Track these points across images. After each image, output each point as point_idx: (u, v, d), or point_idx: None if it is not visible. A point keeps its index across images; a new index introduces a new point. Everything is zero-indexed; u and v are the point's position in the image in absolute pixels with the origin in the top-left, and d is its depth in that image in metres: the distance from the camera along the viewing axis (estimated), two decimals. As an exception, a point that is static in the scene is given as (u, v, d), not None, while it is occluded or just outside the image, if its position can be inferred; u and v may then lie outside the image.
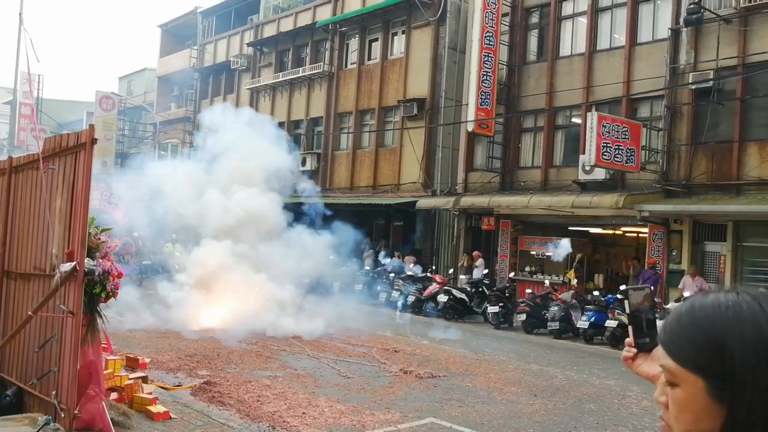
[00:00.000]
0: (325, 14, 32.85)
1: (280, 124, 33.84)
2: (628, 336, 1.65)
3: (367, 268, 25.02)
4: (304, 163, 31.28)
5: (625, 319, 15.83)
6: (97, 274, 6.41)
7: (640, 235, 21.97)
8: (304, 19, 33.94)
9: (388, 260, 24.93)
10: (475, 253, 23.92)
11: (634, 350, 1.63)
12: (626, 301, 1.65)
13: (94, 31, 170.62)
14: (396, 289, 22.59)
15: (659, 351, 1.34)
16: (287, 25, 34.97)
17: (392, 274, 23.67)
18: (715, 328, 1.21)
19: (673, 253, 19.72)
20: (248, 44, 37.57)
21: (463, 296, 21.37)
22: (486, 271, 23.01)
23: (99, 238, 6.73)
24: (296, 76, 33.49)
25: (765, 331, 1.17)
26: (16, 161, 8.39)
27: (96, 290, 6.47)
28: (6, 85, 23.96)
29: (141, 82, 54.18)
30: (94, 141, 6.53)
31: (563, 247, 20.37)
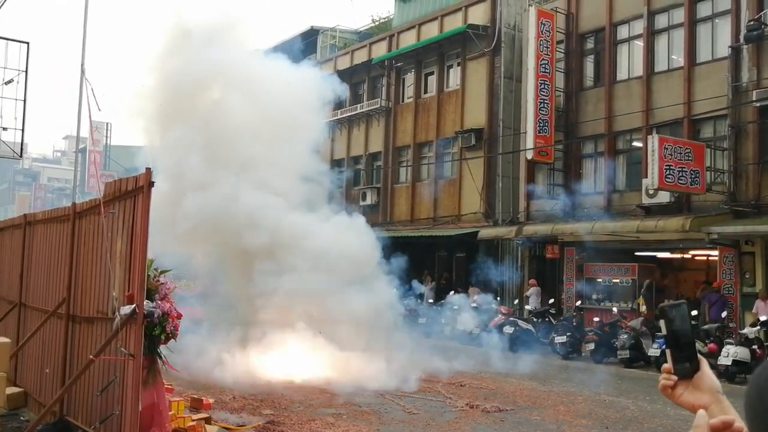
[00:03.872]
0: (380, 51, 33.16)
1: (341, 161, 34.32)
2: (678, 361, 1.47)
3: (430, 301, 24.84)
4: (364, 197, 31.46)
5: (699, 347, 15.42)
6: (156, 315, 6.47)
7: (710, 258, 21.34)
8: (361, 57, 34.29)
9: (451, 294, 24.62)
10: (530, 281, 23.69)
11: (674, 378, 1.49)
12: (662, 321, 1.49)
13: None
14: (460, 322, 22.31)
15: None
16: (344, 63, 35.35)
17: (456, 307, 23.41)
18: None
19: (746, 276, 19.09)
20: (306, 83, 38.02)
21: (530, 327, 21.04)
22: (552, 300, 22.65)
23: (158, 280, 6.81)
24: (354, 112, 33.75)
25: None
26: (80, 207, 8.57)
27: (156, 332, 6.53)
28: (76, 134, 24.97)
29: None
30: (151, 184, 6.63)
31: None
